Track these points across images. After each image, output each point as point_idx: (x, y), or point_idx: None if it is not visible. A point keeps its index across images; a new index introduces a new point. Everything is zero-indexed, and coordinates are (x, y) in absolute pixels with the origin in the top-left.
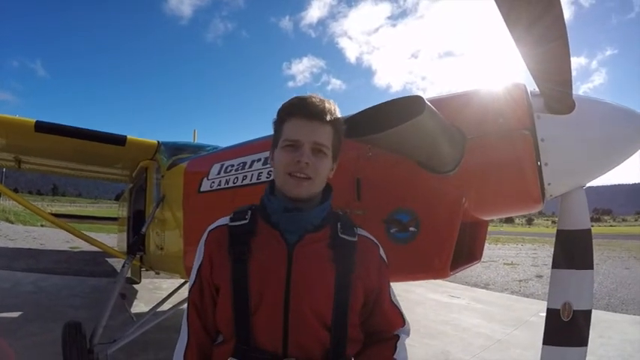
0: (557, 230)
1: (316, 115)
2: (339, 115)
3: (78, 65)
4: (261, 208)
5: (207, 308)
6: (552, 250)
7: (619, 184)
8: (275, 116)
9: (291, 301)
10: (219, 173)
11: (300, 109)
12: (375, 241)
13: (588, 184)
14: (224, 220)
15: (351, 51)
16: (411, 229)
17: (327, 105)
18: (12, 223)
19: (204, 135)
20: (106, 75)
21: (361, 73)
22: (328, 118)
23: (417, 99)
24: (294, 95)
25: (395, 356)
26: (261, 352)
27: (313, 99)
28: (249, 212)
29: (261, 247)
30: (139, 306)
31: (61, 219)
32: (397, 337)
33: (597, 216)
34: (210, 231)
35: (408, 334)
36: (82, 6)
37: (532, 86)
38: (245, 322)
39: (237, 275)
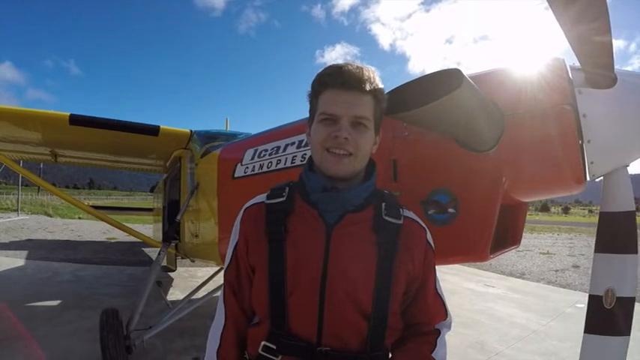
0: (600, 212)
1: (354, 85)
2: (379, 83)
3: (111, 61)
4: (299, 185)
5: (243, 288)
6: (589, 240)
7: None
8: (309, 89)
9: (328, 286)
10: (252, 158)
11: (336, 79)
12: (422, 224)
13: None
14: (261, 198)
15: (384, 37)
16: (450, 210)
17: (365, 72)
18: (51, 216)
19: (236, 123)
20: (139, 69)
21: (395, 59)
22: (368, 87)
23: (455, 72)
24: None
25: (433, 354)
26: (295, 338)
27: (350, 67)
28: (287, 189)
29: (299, 226)
30: (175, 294)
31: (98, 210)
32: (438, 333)
33: None
34: (246, 209)
35: (449, 327)
36: (113, 3)
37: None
38: (280, 305)
39: (274, 256)
